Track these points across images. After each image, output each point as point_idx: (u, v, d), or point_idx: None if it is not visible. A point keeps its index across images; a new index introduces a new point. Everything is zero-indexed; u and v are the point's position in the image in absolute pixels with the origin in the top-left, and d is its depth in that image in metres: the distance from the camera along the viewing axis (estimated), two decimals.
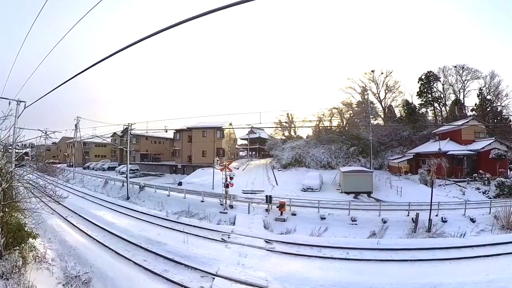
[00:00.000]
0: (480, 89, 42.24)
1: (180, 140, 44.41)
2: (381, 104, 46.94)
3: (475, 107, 42.59)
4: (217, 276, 9.37)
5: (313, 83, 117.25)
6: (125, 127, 35.96)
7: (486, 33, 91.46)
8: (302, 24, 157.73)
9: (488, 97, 41.71)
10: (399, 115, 46.72)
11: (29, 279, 8.28)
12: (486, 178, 23.98)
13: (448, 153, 27.96)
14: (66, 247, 12.11)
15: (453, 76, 44.12)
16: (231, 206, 20.25)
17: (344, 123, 47.09)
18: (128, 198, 25.56)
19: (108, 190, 29.10)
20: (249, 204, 19.97)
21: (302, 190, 26.58)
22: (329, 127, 45.95)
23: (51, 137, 38.26)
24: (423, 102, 45.47)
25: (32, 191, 11.24)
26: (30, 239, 10.97)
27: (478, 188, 23.39)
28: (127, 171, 28.29)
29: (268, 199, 19.20)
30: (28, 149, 46.48)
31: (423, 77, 45.24)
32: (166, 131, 41.25)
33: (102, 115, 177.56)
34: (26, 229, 10.96)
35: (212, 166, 28.80)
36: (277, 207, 18.31)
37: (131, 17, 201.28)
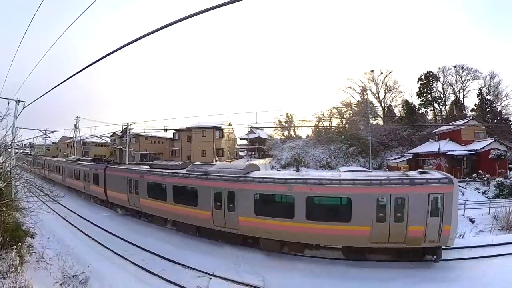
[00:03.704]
0: (480, 89, 42.28)
1: (180, 140, 44.41)
2: (380, 104, 46.94)
3: (474, 107, 42.60)
4: (214, 276, 9.36)
5: (313, 83, 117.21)
6: (124, 127, 35.95)
7: (486, 33, 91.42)
8: (302, 24, 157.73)
9: (488, 97, 41.73)
10: (399, 115, 46.70)
11: (26, 278, 8.28)
12: (485, 178, 23.95)
13: (447, 153, 27.95)
14: (64, 246, 12.10)
15: (452, 76, 44.18)
16: None
17: (344, 123, 47.04)
18: None
19: None
20: None
21: None
22: (328, 127, 45.90)
23: (50, 137, 38.28)
24: (423, 102, 45.48)
25: (30, 190, 11.26)
26: (28, 238, 10.98)
27: (477, 188, 23.36)
28: None
29: None
30: (27, 149, 46.50)
31: (422, 77, 45.26)
32: (166, 131, 41.32)
33: (101, 114, 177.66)
34: (24, 229, 10.98)
35: None
36: None
37: (130, 16, 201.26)
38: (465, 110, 42.97)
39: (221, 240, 12.08)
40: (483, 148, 26.85)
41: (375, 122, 46.15)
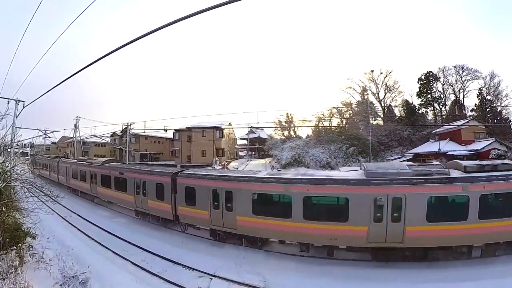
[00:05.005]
0: (480, 89, 42.25)
1: (180, 140, 44.38)
2: (380, 104, 46.96)
3: (475, 107, 42.57)
4: (215, 276, 9.34)
5: (313, 83, 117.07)
6: (124, 126, 35.97)
7: (486, 33, 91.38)
8: (302, 24, 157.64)
9: (488, 97, 41.69)
10: (399, 115, 46.72)
11: (25, 279, 8.26)
12: None
13: (447, 153, 27.94)
14: (64, 247, 12.08)
15: (453, 76, 44.18)
16: None
17: (344, 123, 47.08)
18: None
19: None
20: None
21: None
22: (328, 127, 45.94)
23: (50, 137, 38.27)
24: (423, 102, 45.50)
25: (30, 190, 11.22)
26: (28, 239, 10.94)
27: None
28: None
29: None
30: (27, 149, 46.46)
31: (422, 77, 45.27)
32: (166, 131, 41.30)
33: (101, 114, 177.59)
34: (23, 229, 10.94)
35: (211, 166, 28.77)
36: None
37: (130, 15, 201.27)
38: (465, 110, 42.97)
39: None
40: (483, 148, 26.84)
41: (375, 122, 46.21)
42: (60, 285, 8.86)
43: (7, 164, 12.09)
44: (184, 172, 13.86)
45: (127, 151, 30.56)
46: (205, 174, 13.01)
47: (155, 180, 14.26)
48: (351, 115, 47.33)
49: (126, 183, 15.94)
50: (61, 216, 16.84)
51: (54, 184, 24.78)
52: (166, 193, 13.41)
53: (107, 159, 23.43)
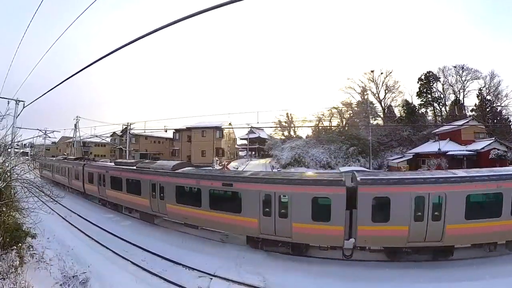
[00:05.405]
0: (480, 89, 42.26)
1: (180, 140, 44.47)
2: (380, 104, 46.96)
3: (474, 108, 42.60)
4: (215, 276, 9.35)
5: (313, 83, 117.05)
6: (124, 126, 36.03)
7: (486, 33, 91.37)
8: (302, 24, 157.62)
9: (488, 97, 41.71)
10: (399, 115, 46.72)
11: (26, 279, 8.27)
12: None
13: (447, 153, 27.97)
14: (64, 246, 12.09)
15: (453, 76, 44.21)
16: None
17: (344, 123, 47.10)
18: None
19: None
20: None
21: None
22: (328, 127, 45.97)
23: (50, 137, 38.31)
24: (423, 102, 45.53)
25: (30, 190, 11.23)
26: (28, 239, 10.96)
27: None
28: None
29: None
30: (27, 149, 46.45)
31: (422, 77, 45.30)
32: (166, 131, 41.38)
33: (101, 114, 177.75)
34: (24, 229, 10.95)
35: (211, 166, 28.79)
36: None
37: (131, 15, 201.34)
38: (465, 110, 43.00)
39: None
40: (483, 148, 26.86)
41: (375, 122, 46.22)
42: (60, 285, 8.87)
43: (7, 164, 12.10)
44: (368, 178, 10.24)
45: (127, 151, 30.60)
46: (403, 177, 10.27)
47: (311, 193, 10.03)
48: (351, 115, 47.33)
49: (239, 200, 11.27)
50: (61, 216, 16.84)
51: (79, 194, 22.53)
52: (336, 211, 9.65)
53: (177, 162, 16.22)
